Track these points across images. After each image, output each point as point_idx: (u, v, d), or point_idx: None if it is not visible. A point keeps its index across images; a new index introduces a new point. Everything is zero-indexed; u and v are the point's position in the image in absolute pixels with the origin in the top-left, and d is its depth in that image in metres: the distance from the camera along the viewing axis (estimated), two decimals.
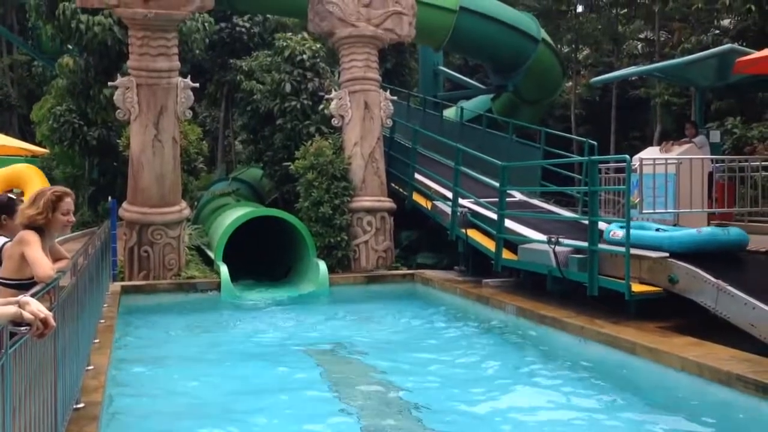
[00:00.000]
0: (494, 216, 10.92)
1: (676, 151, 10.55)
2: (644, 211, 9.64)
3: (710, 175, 10.59)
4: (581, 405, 6.11)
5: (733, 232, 8.36)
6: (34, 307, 2.82)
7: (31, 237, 4.17)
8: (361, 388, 6.96)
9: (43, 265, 4.03)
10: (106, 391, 5.82)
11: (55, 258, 4.52)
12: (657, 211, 9.62)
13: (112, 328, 8.26)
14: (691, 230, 8.41)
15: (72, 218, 4.50)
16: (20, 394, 3.09)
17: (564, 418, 5.79)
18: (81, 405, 5.15)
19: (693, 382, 6.05)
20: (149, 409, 6.19)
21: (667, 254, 8.01)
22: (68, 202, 4.44)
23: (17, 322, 2.80)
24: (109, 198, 13.35)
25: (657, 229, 8.52)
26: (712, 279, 7.28)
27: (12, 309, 2.77)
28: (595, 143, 13.47)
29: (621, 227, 8.44)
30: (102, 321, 8.38)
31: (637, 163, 9.74)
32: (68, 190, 4.59)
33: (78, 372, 5.31)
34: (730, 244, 8.22)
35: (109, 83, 12.52)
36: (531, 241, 10.19)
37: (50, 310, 3.04)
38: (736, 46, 12.58)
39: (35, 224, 4.24)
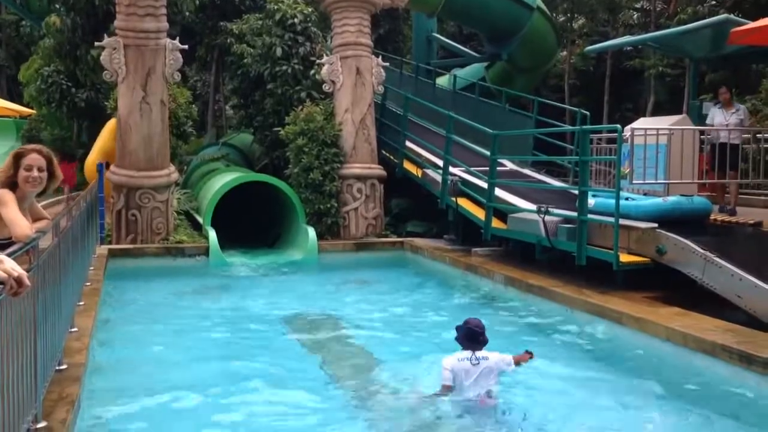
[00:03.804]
0: (485, 185, 10.87)
1: (671, 121, 10.47)
2: (634, 182, 9.61)
3: (736, 146, 10.39)
4: (566, 374, 6.11)
5: (697, 201, 8.65)
6: (8, 266, 2.76)
7: (7, 196, 4.10)
8: (346, 356, 6.95)
9: (20, 225, 3.95)
10: (89, 353, 5.78)
11: (35, 218, 4.44)
12: (647, 181, 9.59)
13: (98, 291, 8.20)
14: (657, 199, 8.63)
15: (35, 174, 4.35)
16: None
17: (548, 387, 5.79)
18: (64, 366, 5.11)
19: (678, 351, 6.08)
20: (133, 372, 6.16)
21: (656, 225, 8.02)
22: (32, 158, 4.35)
23: None
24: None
25: (627, 198, 8.64)
26: (700, 250, 7.29)
27: None
28: (587, 113, 13.40)
29: (593, 195, 8.79)
30: (88, 284, 8.32)
31: (629, 134, 9.69)
32: (40, 147, 4.51)
33: (61, 333, 5.26)
34: (694, 212, 8.48)
35: (96, 43, 12.29)
36: (521, 210, 10.17)
37: (29, 270, 2.98)
38: (731, 16, 12.47)
39: (6, 183, 4.16)
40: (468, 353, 5.26)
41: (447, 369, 5.24)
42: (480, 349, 5.32)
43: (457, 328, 5.48)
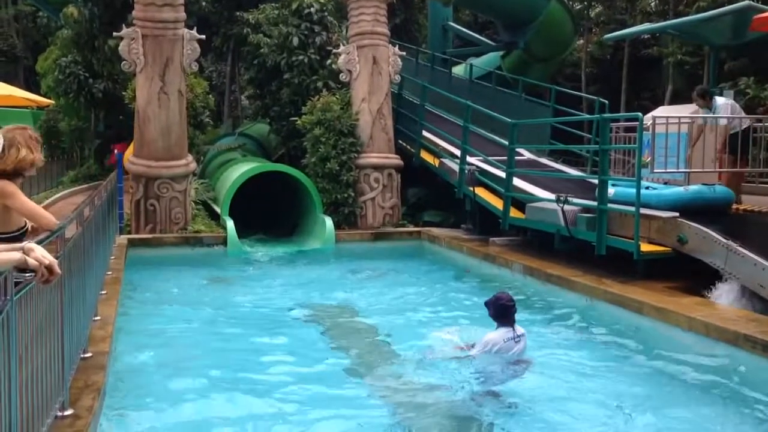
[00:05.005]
0: (502, 174, 10.83)
1: (691, 109, 10.33)
2: (655, 171, 9.52)
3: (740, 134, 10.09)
4: (587, 364, 6.10)
5: (719, 190, 8.52)
6: (39, 254, 2.78)
7: (12, 188, 3.82)
8: (364, 342, 6.97)
9: (44, 215, 3.90)
10: (113, 341, 5.84)
11: None
12: (668, 170, 9.49)
13: (119, 280, 8.27)
14: (679, 188, 8.55)
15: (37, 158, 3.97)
16: (27, 342, 3.07)
17: (569, 377, 5.78)
18: (88, 354, 5.16)
19: (700, 341, 6.03)
20: (155, 359, 6.21)
21: (677, 214, 7.95)
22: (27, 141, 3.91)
23: (22, 268, 2.77)
24: (115, 150, 13.27)
25: (647, 187, 8.56)
26: (722, 239, 7.21)
27: (17, 255, 2.73)
28: (606, 102, 13.28)
29: (613, 185, 8.76)
30: (109, 273, 8.39)
31: (650, 122, 9.60)
32: (24, 127, 4.10)
33: (85, 322, 5.31)
34: (716, 201, 8.37)
35: (114, 34, 12.34)
36: (539, 199, 10.12)
37: (57, 259, 2.99)
38: (752, 2, 12.27)
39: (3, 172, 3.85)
40: (510, 332, 5.60)
41: (491, 345, 5.55)
42: (514, 322, 5.66)
43: (487, 304, 5.73)
